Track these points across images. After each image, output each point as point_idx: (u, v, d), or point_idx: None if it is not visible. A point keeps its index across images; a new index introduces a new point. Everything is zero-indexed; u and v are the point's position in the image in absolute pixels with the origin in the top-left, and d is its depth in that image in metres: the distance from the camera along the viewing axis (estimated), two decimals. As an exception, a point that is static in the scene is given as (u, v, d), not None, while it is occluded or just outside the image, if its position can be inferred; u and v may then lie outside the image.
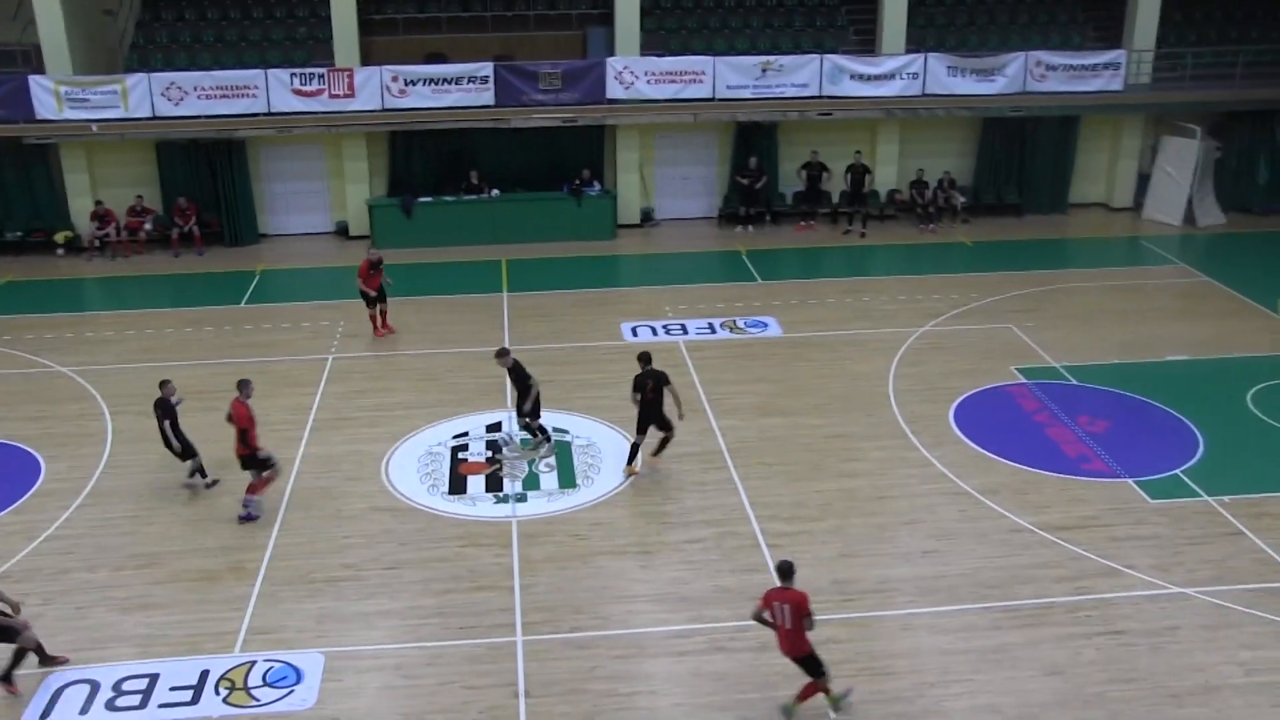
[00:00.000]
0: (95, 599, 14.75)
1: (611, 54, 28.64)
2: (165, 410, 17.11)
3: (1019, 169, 30.80)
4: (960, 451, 18.00)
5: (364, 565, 15.30)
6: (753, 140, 29.72)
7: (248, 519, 16.43)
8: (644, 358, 17.37)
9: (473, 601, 14.49)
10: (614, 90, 28.20)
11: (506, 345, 20.25)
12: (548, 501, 16.79)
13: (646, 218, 30.15)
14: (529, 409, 17.87)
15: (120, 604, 14.64)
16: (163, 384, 17.30)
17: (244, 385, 16.54)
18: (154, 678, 13.24)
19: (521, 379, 17.91)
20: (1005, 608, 14.14)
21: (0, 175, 28.68)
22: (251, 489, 16.52)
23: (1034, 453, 17.87)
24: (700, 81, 28.33)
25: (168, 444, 17.29)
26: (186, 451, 17.32)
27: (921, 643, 13.60)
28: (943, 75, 28.83)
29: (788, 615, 11.84)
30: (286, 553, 15.61)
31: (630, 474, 17.45)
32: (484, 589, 14.73)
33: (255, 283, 26.29)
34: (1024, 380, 20.49)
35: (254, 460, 16.44)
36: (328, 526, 16.22)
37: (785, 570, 12.03)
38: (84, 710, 12.76)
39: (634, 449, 17.51)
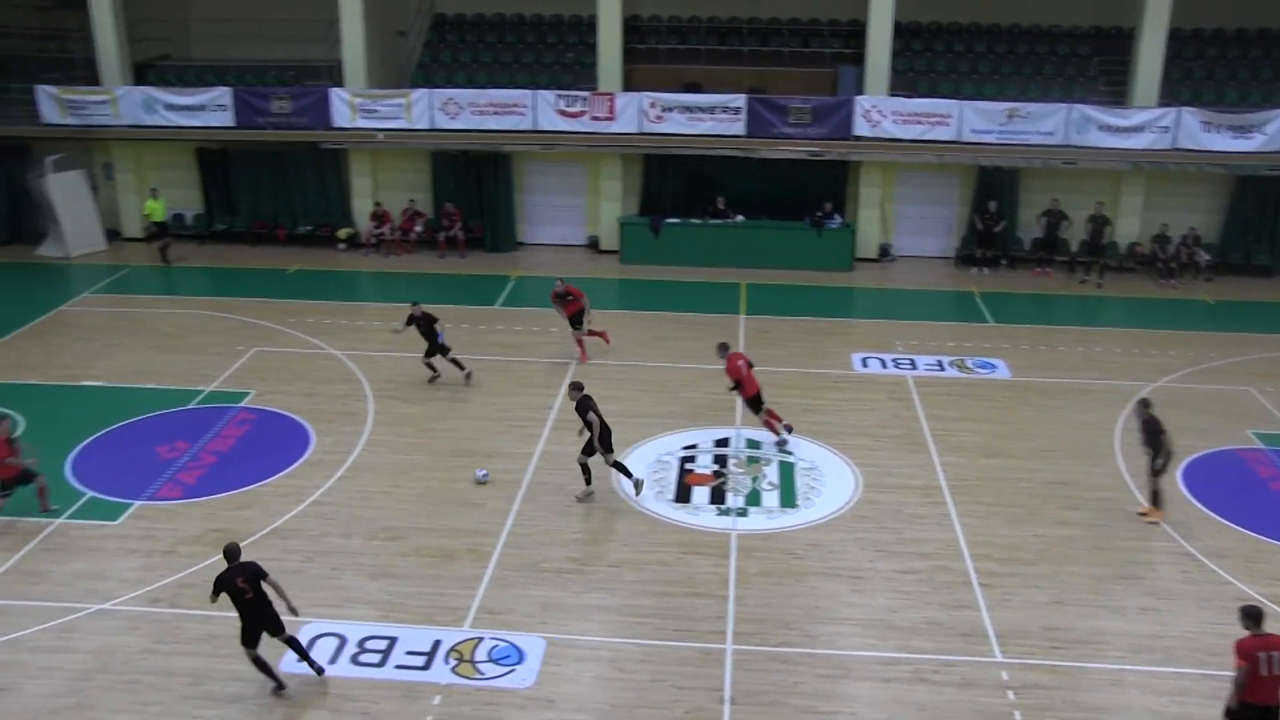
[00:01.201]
0: (348, 563, 15.54)
1: (860, 93, 28.43)
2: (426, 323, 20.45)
3: (1271, 229, 29.02)
4: (1187, 511, 17.08)
5: (588, 560, 15.62)
6: (994, 184, 28.99)
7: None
8: (577, 386, 17.17)
9: (688, 606, 14.59)
10: (860, 128, 27.99)
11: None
12: (767, 518, 16.76)
13: (884, 253, 29.79)
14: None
15: (368, 570, 15.38)
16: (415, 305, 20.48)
17: (724, 346, 18.97)
18: (393, 640, 13.84)
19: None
20: (1229, 678, 13.33)
21: (298, 175, 30.63)
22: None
23: (1268, 521, 16.76)
24: (946, 124, 27.82)
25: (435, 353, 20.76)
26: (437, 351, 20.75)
27: (1132, 700, 12.95)
28: (1196, 130, 27.44)
29: (1275, 663, 11.00)
30: (519, 541, 16.08)
31: (629, 485, 17.30)
32: (699, 595, 14.82)
33: (510, 287, 27.19)
34: (1261, 446, 19.28)
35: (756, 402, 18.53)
36: (558, 521, 16.63)
37: (1257, 615, 11.24)
38: (332, 660, 13.48)
39: (623, 468, 17.38)
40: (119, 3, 29.73)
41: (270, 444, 19.02)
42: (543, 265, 29.01)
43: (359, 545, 15.99)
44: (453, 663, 13.47)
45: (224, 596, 12.63)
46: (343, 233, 30.34)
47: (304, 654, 13.18)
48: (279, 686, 13.11)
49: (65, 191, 29.97)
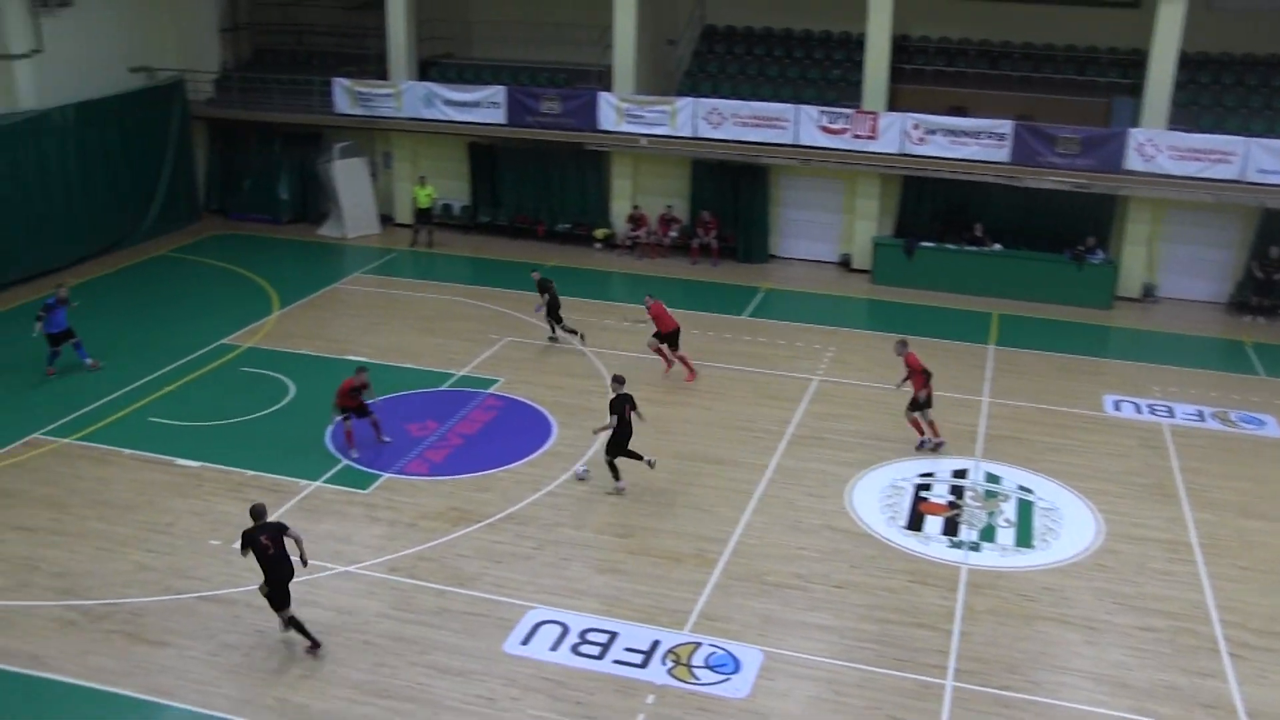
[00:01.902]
0: (576, 554, 15.82)
1: (1136, 125, 27.01)
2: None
3: None
4: None
5: (813, 578, 15.39)
6: (1278, 228, 27.01)
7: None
8: (619, 380, 17.58)
9: (911, 636, 14.19)
10: (1132, 161, 26.59)
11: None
12: (1000, 556, 16.12)
13: (1148, 293, 28.21)
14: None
15: (595, 563, 15.61)
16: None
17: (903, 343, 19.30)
18: (613, 635, 14.00)
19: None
20: None
21: (561, 174, 31.46)
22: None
23: None
24: (1229, 162, 26.08)
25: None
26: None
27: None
28: None
29: None
30: (746, 551, 16.00)
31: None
32: (923, 627, 14.39)
33: (759, 299, 27.12)
34: None
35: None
36: (786, 535, 16.46)
37: None
38: (554, 647, 13.76)
39: (615, 468, 17.51)
40: (411, 4, 31.27)
41: (514, 431, 19.58)
42: (793, 279, 28.82)
43: (589, 538, 16.25)
44: (669, 664, 13.51)
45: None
46: (600, 233, 30.99)
47: (305, 632, 13.66)
48: (314, 645, 13.60)
49: (348, 177, 31.79)
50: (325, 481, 17.76)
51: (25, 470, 18.07)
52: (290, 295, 26.51)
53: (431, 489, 17.61)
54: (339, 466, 18.25)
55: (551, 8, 31.46)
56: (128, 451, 18.70)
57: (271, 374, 21.77)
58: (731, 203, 30.12)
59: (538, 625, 14.19)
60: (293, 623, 13.67)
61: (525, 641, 13.88)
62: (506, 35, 32.14)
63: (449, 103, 30.66)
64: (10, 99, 27.97)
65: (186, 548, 15.86)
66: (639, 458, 17.66)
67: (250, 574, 15.14)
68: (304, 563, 13.69)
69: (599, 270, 29.20)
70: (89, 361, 21.88)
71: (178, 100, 32.08)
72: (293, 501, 17.11)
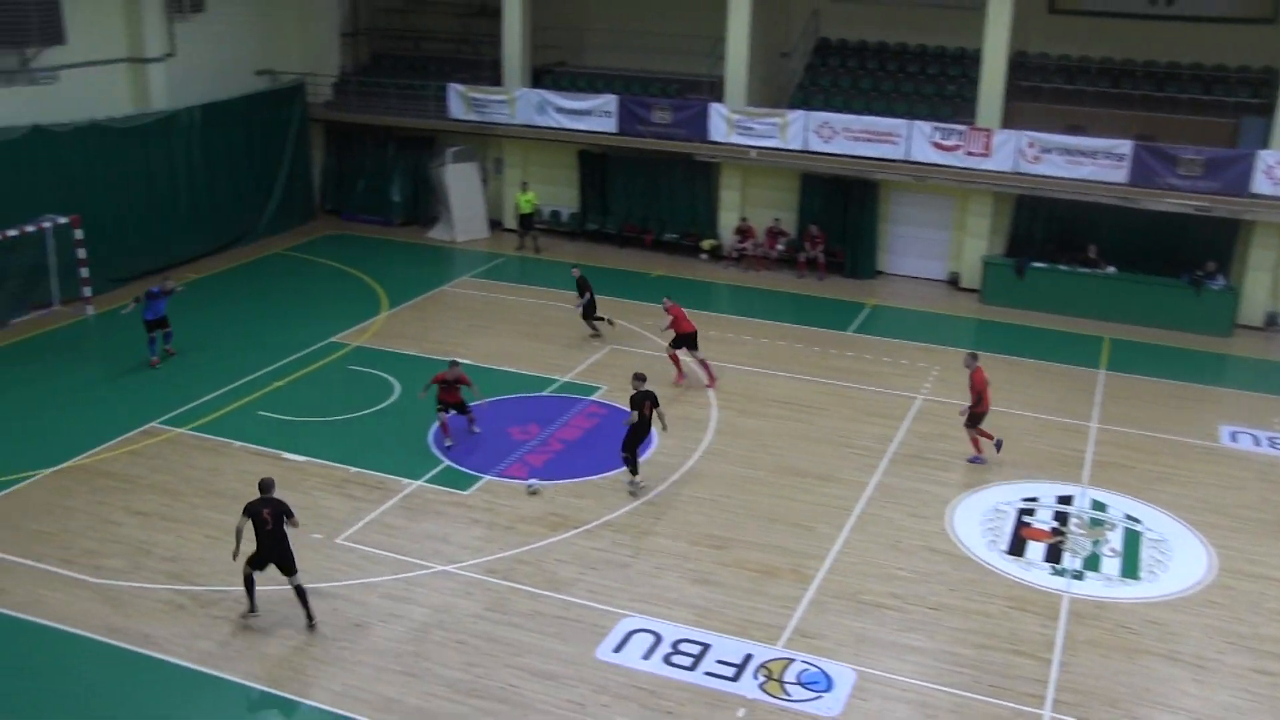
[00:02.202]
0: (671, 564, 15.84)
1: (1265, 147, 26.19)
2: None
3: None
4: None
5: (910, 599, 15.20)
6: None
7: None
8: (639, 377, 17.95)
9: (1008, 663, 13.93)
10: (1260, 185, 25.77)
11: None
12: (1105, 586, 15.73)
13: (1271, 322, 27.29)
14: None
15: (690, 574, 15.61)
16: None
17: (974, 356, 19.37)
18: (706, 647, 13.99)
19: None
20: None
21: (670, 184, 31.55)
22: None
23: None
24: (1365, 187, 25.17)
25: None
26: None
27: None
28: None
29: None
30: (843, 569, 15.87)
31: (637, 489, 17.77)
32: (1021, 654, 14.11)
33: (865, 315, 26.88)
34: None
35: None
36: (884, 554, 16.28)
37: None
38: (646, 656, 13.79)
39: (632, 464, 17.85)
40: (527, 11, 31.68)
41: (614, 439, 19.61)
42: (899, 296, 28.51)
43: (684, 549, 16.26)
44: (761, 679, 13.46)
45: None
46: (706, 243, 31.01)
47: (304, 602, 14.16)
48: (251, 610, 14.24)
49: (460, 181, 32.31)
50: (427, 481, 18.05)
51: (142, 457, 18.69)
52: (399, 296, 27.02)
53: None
54: (440, 467, 18.53)
55: (665, 18, 31.64)
56: (238, 443, 19.23)
57: (377, 373, 22.20)
58: (840, 217, 29.92)
59: (631, 633, 14.24)
60: (247, 580, 14.16)
61: (618, 649, 13.94)
62: (620, 44, 32.36)
63: (561, 110, 30.98)
64: (144, 100, 29.02)
65: (291, 539, 16.18)
66: (634, 471, 17.92)
67: (351, 569, 15.48)
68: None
69: (704, 281, 29.21)
70: (167, 348, 22.73)
71: (298, 103, 32.95)
72: (394, 500, 17.42)
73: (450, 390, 19.21)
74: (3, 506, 17.09)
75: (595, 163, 32.26)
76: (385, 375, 22.07)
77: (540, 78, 32.81)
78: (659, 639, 14.14)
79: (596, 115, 30.67)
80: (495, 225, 33.05)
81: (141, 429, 19.72)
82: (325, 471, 18.29)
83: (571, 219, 32.96)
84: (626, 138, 30.59)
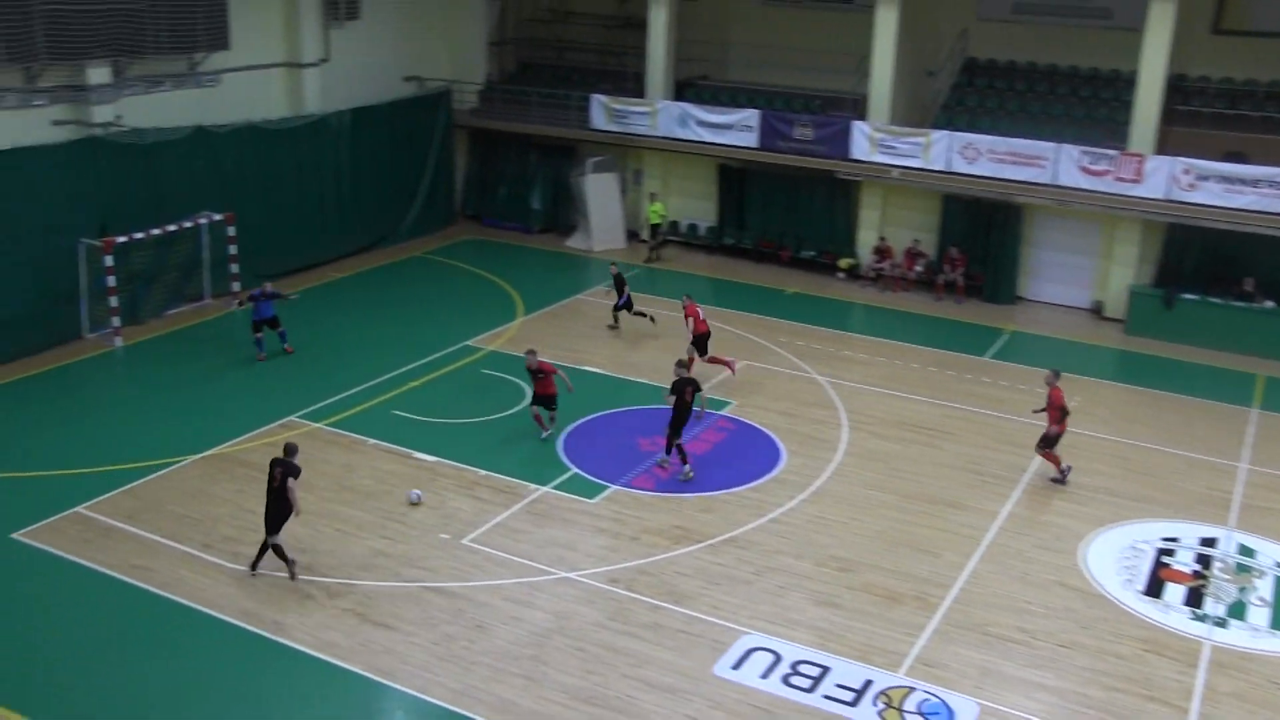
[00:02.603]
0: (794, 584, 15.71)
1: None
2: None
3: None
4: None
5: (1039, 634, 14.81)
6: None
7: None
8: (681, 364, 18.72)
9: (1140, 710, 13.45)
10: None
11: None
12: (1251, 636, 15.07)
13: None
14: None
15: (812, 595, 15.47)
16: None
17: (1056, 374, 19.23)
18: (825, 670, 13.84)
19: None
20: None
21: (809, 201, 31.36)
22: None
23: None
24: None
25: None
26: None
27: None
28: None
29: None
30: (969, 598, 15.54)
31: (686, 477, 18.44)
32: (1154, 701, 13.62)
33: (1003, 340, 26.30)
34: None
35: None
36: (1013, 586, 15.90)
37: None
38: (764, 675, 13.71)
39: (678, 449, 18.50)
40: (672, 25, 31.90)
41: (742, 455, 19.63)
42: (1039, 323, 27.82)
43: (808, 569, 16.12)
44: (880, 706, 13.26)
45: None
46: (844, 262, 30.71)
47: (282, 556, 15.27)
48: (290, 570, 15.36)
49: (599, 191, 32.64)
50: (554, 488, 18.24)
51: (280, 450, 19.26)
52: (534, 303, 27.39)
53: (656, 505, 17.84)
54: (568, 474, 18.71)
55: (810, 34, 31.52)
56: (372, 441, 19.71)
57: (510, 378, 22.53)
58: (981, 240, 29.36)
59: (750, 651, 14.16)
60: (276, 550, 15.27)
61: (737, 666, 13.89)
62: (763, 59, 32.34)
63: (702, 123, 31.07)
64: (298, 103, 30.03)
65: (418, 538, 16.58)
66: (669, 450, 18.69)
67: (475, 570, 15.74)
68: (295, 512, 15.26)
69: (840, 300, 28.94)
70: (285, 347, 23.50)
71: (444, 109, 33.70)
72: (521, 504, 17.65)
73: (541, 382, 19.69)
74: (154, 489, 17.84)
75: (734, 177, 32.26)
76: (517, 381, 22.38)
77: (682, 90, 32.97)
78: (778, 658, 14.04)
79: (737, 129, 30.67)
80: (632, 236, 33.28)
81: (280, 422, 20.36)
82: (455, 473, 18.62)
83: (708, 232, 32.99)
84: (767, 153, 30.52)
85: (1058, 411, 18.76)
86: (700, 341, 22.48)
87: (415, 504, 17.49)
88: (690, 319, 22.49)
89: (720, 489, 18.35)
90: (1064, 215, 28.51)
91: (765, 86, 32.53)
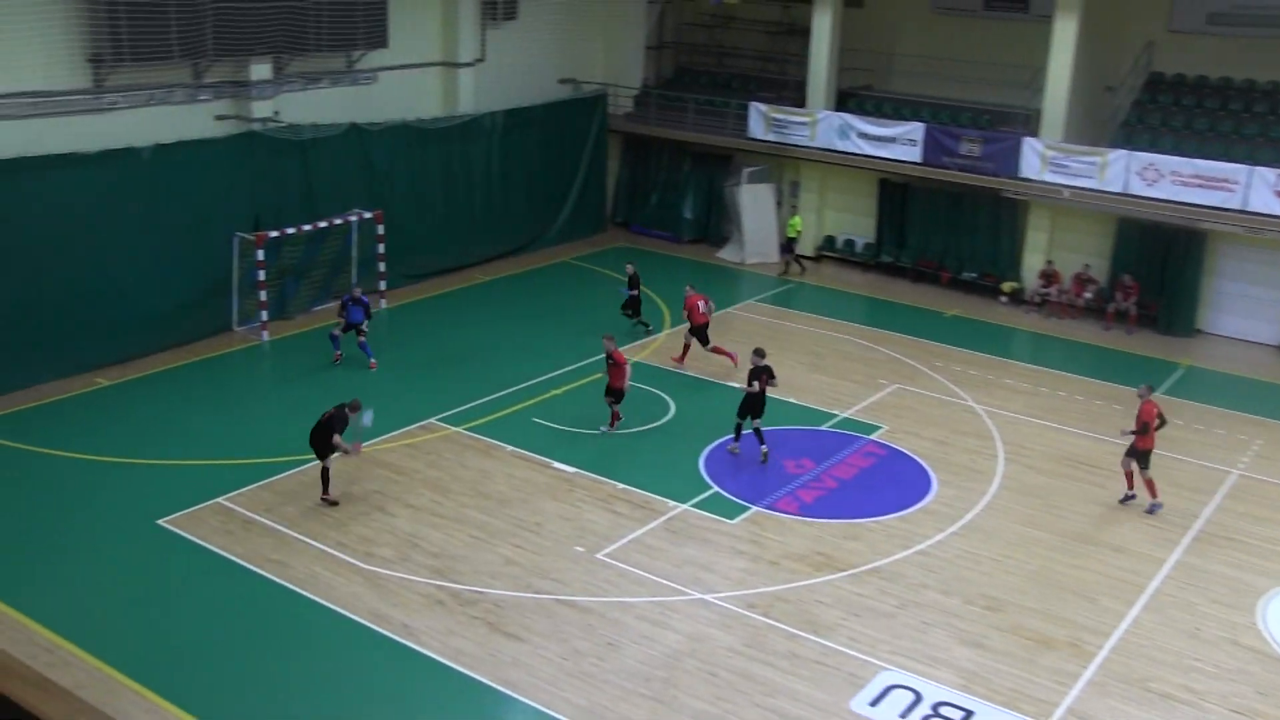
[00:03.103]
0: (940, 620, 15.39)
1: None
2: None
3: None
4: None
5: (1208, 696, 14.18)
6: None
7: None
8: (759, 353, 19.77)
9: (1318, 781, 12.80)
10: None
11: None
12: None
13: None
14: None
15: (959, 634, 15.13)
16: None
17: (1149, 388, 19.06)
18: (969, 714, 13.52)
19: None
20: None
21: (972, 220, 30.77)
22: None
23: None
24: None
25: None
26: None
27: None
28: None
29: None
30: (1130, 649, 15.00)
31: (733, 451, 19.98)
32: (1335, 773, 12.94)
33: (1178, 375, 25.35)
34: None
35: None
36: (1180, 641, 15.27)
37: None
38: (904, 714, 13.47)
39: (738, 430, 19.87)
40: (836, 33, 31.71)
41: (891, 482, 19.34)
42: (1219, 358, 26.73)
43: (956, 606, 15.77)
44: (1028, 757, 12.89)
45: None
46: (1007, 286, 30.02)
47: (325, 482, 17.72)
48: (326, 496, 17.68)
49: (753, 202, 32.60)
50: (693, 506, 18.24)
51: (419, 452, 19.74)
52: (682, 314, 27.40)
53: (798, 529, 17.70)
54: (709, 493, 18.70)
55: (981, 45, 30.96)
56: (510, 448, 20.02)
57: (655, 391, 22.64)
58: (1158, 268, 28.38)
59: (889, 688, 13.92)
60: (323, 472, 17.69)
61: (874, 703, 13.67)
62: (930, 71, 31.85)
63: (864, 136, 30.79)
64: (452, 102, 30.78)
65: (552, 549, 16.76)
66: (738, 435, 19.95)
67: (609, 586, 15.83)
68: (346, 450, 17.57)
69: (1002, 325, 28.31)
70: (371, 361, 23.42)
71: (598, 112, 34.13)
72: (658, 521, 17.69)
73: (614, 372, 20.39)
74: (292, 484, 18.45)
75: (895, 193, 31.86)
76: (661, 393, 22.48)
77: (844, 101, 32.74)
78: (919, 698, 13.77)
79: (900, 143, 30.29)
80: (785, 249, 33.12)
81: (421, 424, 20.83)
82: (592, 484, 18.78)
83: (865, 249, 32.66)
84: (930, 168, 30.06)
85: (1149, 428, 18.48)
86: (699, 332, 23.86)
87: (367, 426, 18.19)
88: (689, 311, 23.91)
89: (866, 516, 18.10)
90: (1253, 244, 27.36)
91: (931, 99, 32.09)
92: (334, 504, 17.69)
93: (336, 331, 23.51)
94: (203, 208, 24.25)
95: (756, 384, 19.51)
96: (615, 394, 20.59)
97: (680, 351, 24.21)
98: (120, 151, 22.77)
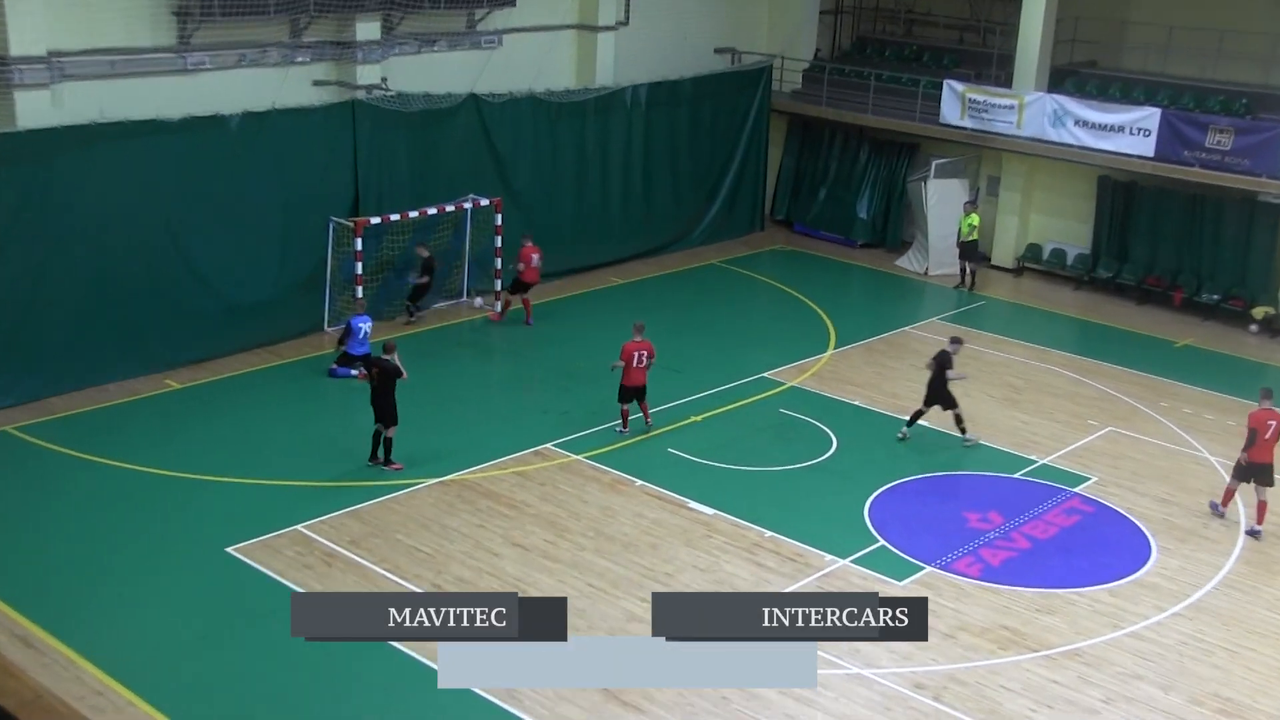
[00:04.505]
0: (1155, 718, 14.97)
1: None
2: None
3: None
4: None
5: None
6: None
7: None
8: (956, 340, 22.32)
9: None
10: None
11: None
12: None
13: None
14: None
15: (1180, 739, 14.70)
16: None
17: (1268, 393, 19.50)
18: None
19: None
20: None
21: (1216, 229, 29.88)
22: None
23: None
24: None
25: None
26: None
27: None
28: None
29: None
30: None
31: (902, 438, 21.89)
32: None
33: None
34: None
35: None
36: None
37: None
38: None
39: (915, 416, 22.02)
40: (1055, -2, 31.19)
41: (1099, 546, 18.94)
42: None
43: (1178, 705, 15.32)
44: None
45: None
46: (1259, 311, 29.13)
47: (375, 448, 20.06)
48: (372, 460, 20.03)
49: (942, 201, 32.21)
50: (854, 561, 18.09)
51: (532, 482, 19.97)
52: (850, 333, 27.31)
53: (981, 596, 17.41)
54: (874, 546, 18.53)
55: (1238, 11, 30.04)
56: (639, 482, 20.12)
57: (813, 422, 22.54)
58: None
59: (1089, 799, 13.59)
60: (387, 441, 19.99)
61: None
62: (1172, 44, 31.10)
63: (1083, 123, 30.19)
64: (588, 73, 31.14)
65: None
66: (917, 418, 22.00)
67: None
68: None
69: (1249, 360, 27.44)
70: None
71: (760, 89, 34.19)
72: (811, 577, 17.59)
73: (638, 367, 21.15)
74: (383, 514, 18.83)
75: (1119, 193, 31.24)
76: (822, 426, 22.37)
77: (1061, 80, 32.19)
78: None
79: (1129, 133, 29.63)
80: (982, 260, 32.67)
81: (535, 449, 21.08)
82: (734, 530, 18.76)
83: (1078, 261, 32.03)
84: (1166, 164, 29.34)
85: (1255, 437, 19.17)
86: (521, 286, 26.64)
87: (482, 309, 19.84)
88: (522, 263, 26.33)
89: (1065, 586, 17.73)
90: None
91: (1170, 78, 31.39)
92: (398, 469, 20.02)
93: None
94: (295, 187, 24.93)
95: (937, 371, 21.70)
96: (636, 392, 21.55)
97: (500, 309, 27.17)
98: (205, 119, 23.56)
